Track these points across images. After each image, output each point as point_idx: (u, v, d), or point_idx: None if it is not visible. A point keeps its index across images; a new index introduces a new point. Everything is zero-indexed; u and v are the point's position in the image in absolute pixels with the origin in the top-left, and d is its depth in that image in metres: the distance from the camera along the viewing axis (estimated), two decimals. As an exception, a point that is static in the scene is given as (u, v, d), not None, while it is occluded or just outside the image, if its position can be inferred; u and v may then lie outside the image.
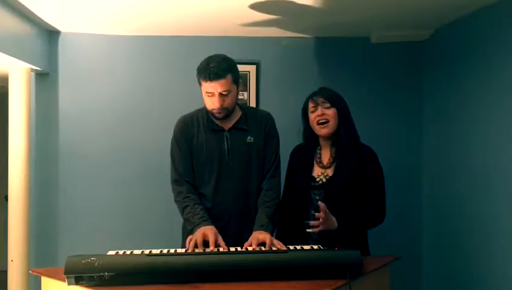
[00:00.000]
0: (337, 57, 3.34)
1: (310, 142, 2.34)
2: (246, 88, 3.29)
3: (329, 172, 2.25)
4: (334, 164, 2.25)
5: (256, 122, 2.28)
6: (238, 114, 2.27)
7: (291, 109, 3.23)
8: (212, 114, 2.19)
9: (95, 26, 3.08)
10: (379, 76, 3.34)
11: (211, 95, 2.12)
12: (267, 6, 2.60)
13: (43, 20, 2.92)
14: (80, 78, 3.23)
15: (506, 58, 2.41)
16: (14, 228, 2.96)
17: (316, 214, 2.08)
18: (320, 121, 2.23)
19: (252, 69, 3.30)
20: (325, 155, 2.30)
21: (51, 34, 3.18)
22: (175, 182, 2.25)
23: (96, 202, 3.24)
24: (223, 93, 2.10)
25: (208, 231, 2.02)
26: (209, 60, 2.12)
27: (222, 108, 2.13)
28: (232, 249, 1.96)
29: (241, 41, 3.28)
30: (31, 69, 3.01)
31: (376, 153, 2.29)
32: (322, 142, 2.32)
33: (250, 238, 2.04)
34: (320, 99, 2.24)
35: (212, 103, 2.14)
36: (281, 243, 1.99)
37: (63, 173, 3.23)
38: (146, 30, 3.17)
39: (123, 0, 2.51)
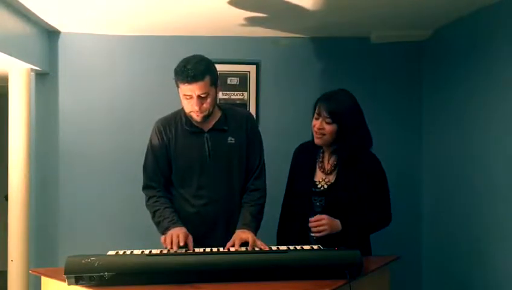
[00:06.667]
0: (337, 57, 3.34)
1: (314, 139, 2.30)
2: (246, 88, 3.29)
3: (331, 178, 2.21)
4: (336, 171, 2.21)
5: (236, 123, 2.22)
6: (217, 114, 2.21)
7: (291, 109, 3.27)
8: (191, 117, 2.14)
9: (95, 26, 3.08)
10: (379, 76, 3.34)
11: (189, 97, 2.06)
12: (267, 6, 2.60)
13: (43, 20, 2.92)
14: (79, 78, 3.23)
15: (507, 58, 2.41)
16: (14, 228, 2.95)
17: (313, 219, 2.09)
18: (318, 132, 2.17)
19: (252, 69, 3.30)
20: (327, 160, 2.26)
21: (51, 34, 3.18)
22: (144, 187, 2.26)
23: (97, 201, 3.24)
24: (202, 95, 2.05)
25: (178, 232, 1.98)
26: (186, 62, 2.04)
27: (201, 111, 2.08)
28: (225, 249, 1.95)
29: (241, 41, 3.28)
30: (31, 69, 3.01)
31: (379, 159, 2.25)
32: (324, 146, 2.27)
33: (233, 237, 2.01)
34: (324, 113, 2.13)
35: (190, 106, 2.08)
36: (263, 244, 1.96)
37: (63, 173, 3.23)
38: (146, 30, 3.17)
39: (123, 0, 2.51)
